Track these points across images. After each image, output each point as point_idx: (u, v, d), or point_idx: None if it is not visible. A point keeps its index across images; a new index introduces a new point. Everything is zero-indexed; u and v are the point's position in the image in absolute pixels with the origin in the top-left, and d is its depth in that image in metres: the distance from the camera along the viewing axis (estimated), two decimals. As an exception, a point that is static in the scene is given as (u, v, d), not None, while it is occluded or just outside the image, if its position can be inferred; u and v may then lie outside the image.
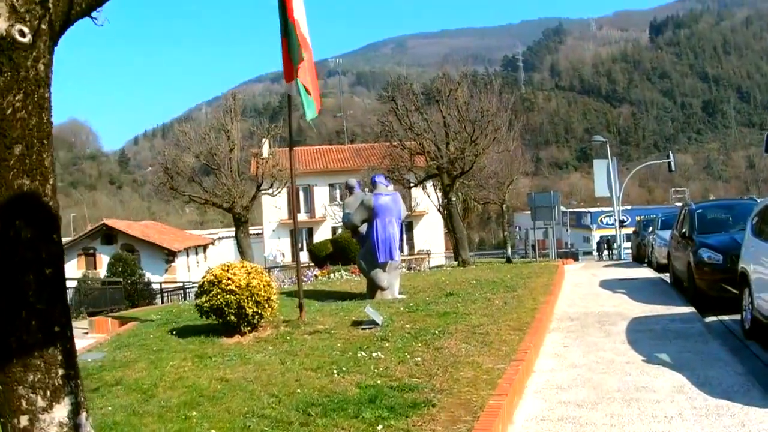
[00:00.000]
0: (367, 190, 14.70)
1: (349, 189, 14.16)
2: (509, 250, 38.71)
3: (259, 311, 8.92)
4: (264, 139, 30.24)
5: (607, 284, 16.00)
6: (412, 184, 31.74)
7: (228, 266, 9.12)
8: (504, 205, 39.82)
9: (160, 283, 32.09)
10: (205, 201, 26.83)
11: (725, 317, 10.72)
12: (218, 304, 8.75)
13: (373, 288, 13.09)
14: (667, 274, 16.78)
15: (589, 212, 73.97)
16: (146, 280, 30.63)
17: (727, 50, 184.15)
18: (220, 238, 65.10)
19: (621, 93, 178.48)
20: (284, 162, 31.92)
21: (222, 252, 57.92)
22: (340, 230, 38.79)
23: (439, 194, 32.66)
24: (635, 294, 13.71)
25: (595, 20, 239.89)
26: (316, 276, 21.55)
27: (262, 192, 27.36)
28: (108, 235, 42.64)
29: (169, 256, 42.18)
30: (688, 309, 11.37)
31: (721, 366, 7.32)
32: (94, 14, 3.03)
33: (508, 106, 28.87)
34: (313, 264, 29.41)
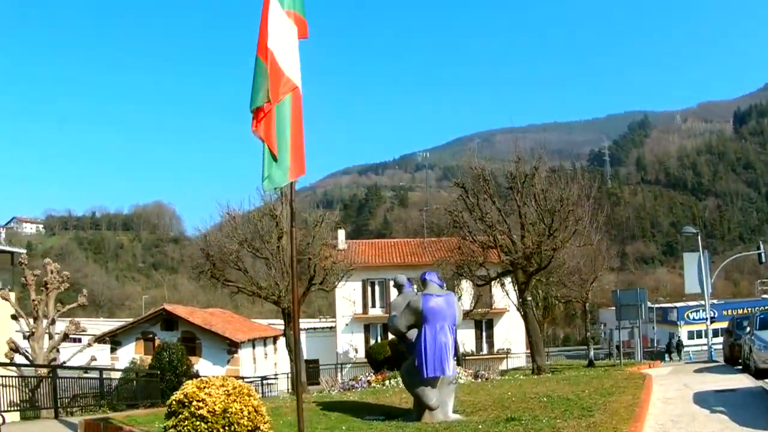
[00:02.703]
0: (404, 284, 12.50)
1: (398, 287, 12.14)
2: (591, 353, 36.23)
3: (242, 446, 6.82)
4: (340, 230, 28.71)
5: (703, 398, 13.45)
6: (482, 282, 29.61)
7: (205, 383, 7.14)
8: (587, 304, 37.40)
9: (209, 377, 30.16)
10: (252, 293, 25.15)
11: None
12: (186, 432, 6.74)
13: (421, 407, 10.82)
14: (770, 381, 14.41)
15: (675, 307, 70.26)
16: (194, 372, 28.86)
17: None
18: (295, 329, 63.20)
19: (706, 185, 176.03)
20: (351, 255, 30.21)
21: (295, 344, 55.89)
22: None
23: (518, 291, 30.38)
24: (738, 414, 11.14)
25: (680, 112, 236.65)
26: (369, 382, 19.36)
27: (316, 287, 25.55)
28: (168, 321, 41.46)
29: (231, 347, 40.54)
30: (808, 437, 8.93)
31: None
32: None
33: (590, 194, 26.58)
34: (368, 365, 27.38)
